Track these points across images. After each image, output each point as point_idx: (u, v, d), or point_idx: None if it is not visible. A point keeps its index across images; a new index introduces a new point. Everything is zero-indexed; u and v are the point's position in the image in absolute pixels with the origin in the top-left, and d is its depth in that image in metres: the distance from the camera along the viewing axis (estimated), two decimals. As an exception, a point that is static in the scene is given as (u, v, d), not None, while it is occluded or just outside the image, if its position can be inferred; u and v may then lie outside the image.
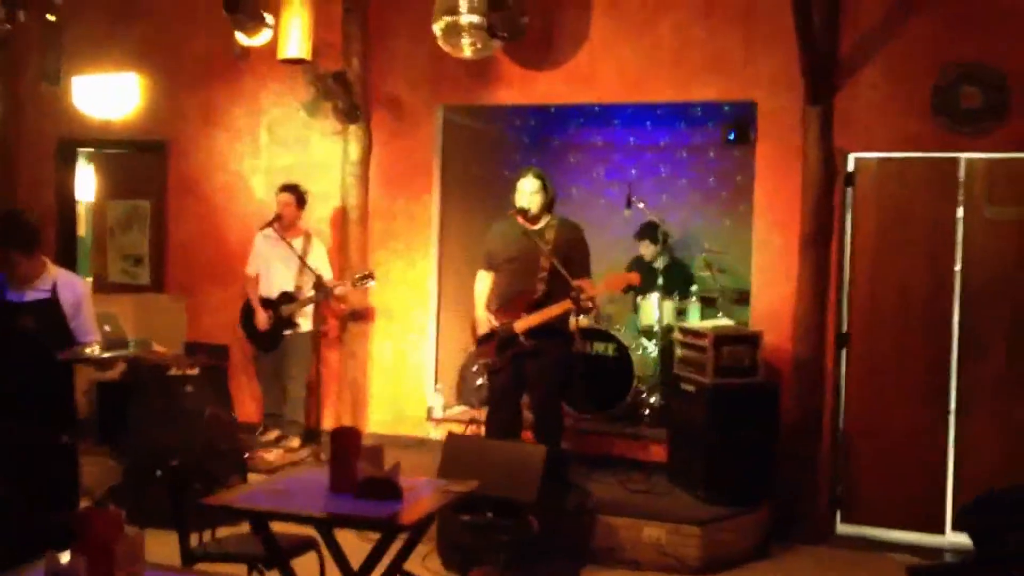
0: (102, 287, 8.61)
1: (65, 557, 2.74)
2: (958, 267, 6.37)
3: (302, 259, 7.19)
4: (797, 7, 6.02)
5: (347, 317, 7.68)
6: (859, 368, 6.58)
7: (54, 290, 4.99)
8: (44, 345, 4.90)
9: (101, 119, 8.35)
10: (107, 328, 5.87)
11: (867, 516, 6.53)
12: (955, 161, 6.38)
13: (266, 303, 7.37)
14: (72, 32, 7.61)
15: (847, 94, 6.51)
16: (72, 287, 5.08)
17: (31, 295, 4.96)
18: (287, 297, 7.31)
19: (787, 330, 6.62)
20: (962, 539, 5.99)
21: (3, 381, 4.94)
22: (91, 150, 8.88)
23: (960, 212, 6.38)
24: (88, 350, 5.04)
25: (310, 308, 7.34)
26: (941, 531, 6.35)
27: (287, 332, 7.33)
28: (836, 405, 6.60)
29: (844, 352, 6.60)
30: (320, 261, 7.33)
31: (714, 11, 6.84)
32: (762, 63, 6.74)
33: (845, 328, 6.59)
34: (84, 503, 5.70)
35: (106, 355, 5.12)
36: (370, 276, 7.23)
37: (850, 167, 6.59)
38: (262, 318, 7.33)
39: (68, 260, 8.67)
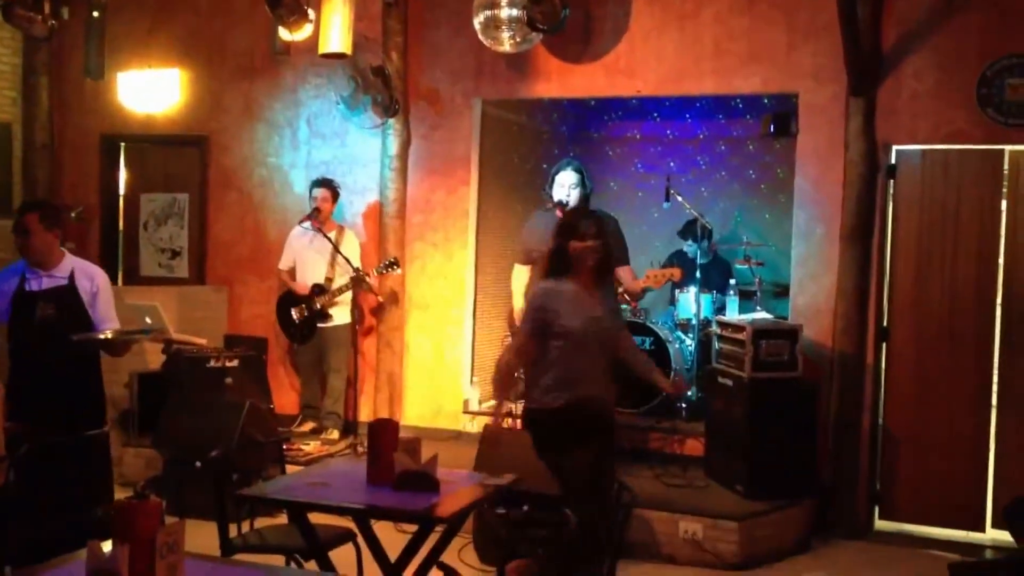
0: (134, 281, 8.69)
1: (107, 547, 2.78)
2: (1001, 260, 6.28)
3: (336, 249, 7.22)
4: (840, -3, 5.96)
5: (380, 309, 7.71)
6: (900, 363, 6.50)
7: (71, 278, 5.08)
8: (63, 332, 4.95)
9: (143, 114, 8.43)
10: (148, 320, 5.94)
11: (906, 512, 6.46)
12: (1000, 153, 6.29)
13: (300, 298, 7.43)
14: (115, 28, 7.72)
15: (890, 86, 6.44)
16: (89, 275, 5.15)
17: (48, 283, 5.05)
18: (319, 289, 7.36)
19: (827, 324, 6.56)
20: (1003, 536, 5.93)
21: (28, 371, 5.03)
22: (125, 145, 8.93)
23: (1004, 205, 6.29)
24: (102, 336, 5.09)
25: (347, 300, 7.37)
26: (981, 528, 6.27)
27: (321, 324, 7.37)
28: (876, 400, 6.53)
29: (885, 347, 6.53)
30: (352, 254, 7.34)
31: (756, 2, 6.78)
32: (804, 54, 6.67)
33: (886, 323, 6.52)
34: (125, 494, 5.75)
35: (111, 335, 5.10)
36: (395, 264, 7.25)
37: (892, 160, 6.52)
38: (301, 286, 7.40)
39: (110, 254, 8.78)
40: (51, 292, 5.03)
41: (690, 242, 8.36)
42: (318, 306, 7.32)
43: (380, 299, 7.60)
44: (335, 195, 7.45)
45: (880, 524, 6.52)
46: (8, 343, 5.13)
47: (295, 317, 7.43)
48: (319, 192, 7.38)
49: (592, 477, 4.50)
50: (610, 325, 4.69)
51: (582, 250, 4.50)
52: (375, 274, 7.25)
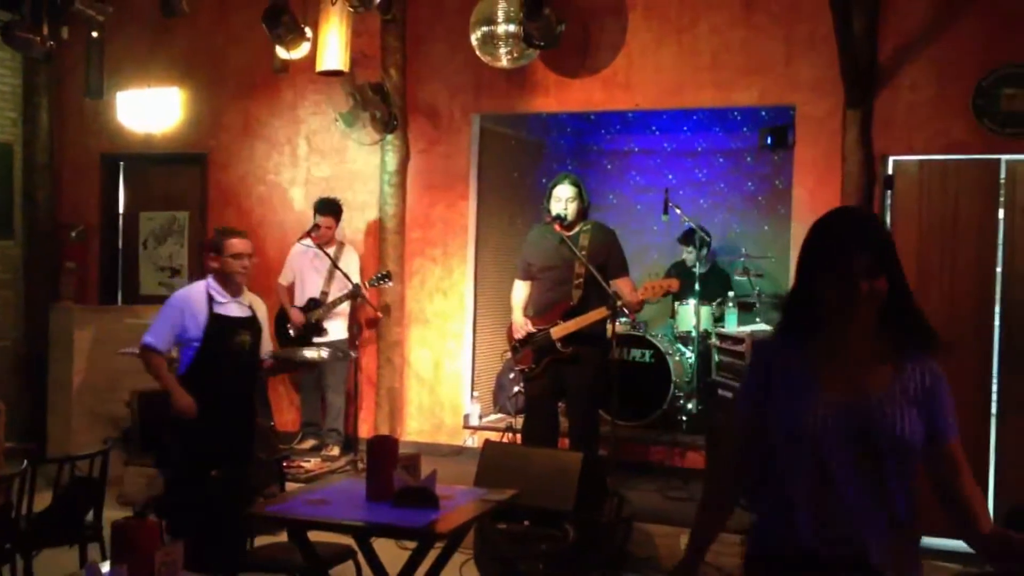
0: (134, 299, 8.69)
1: (105, 567, 2.79)
2: (999, 269, 6.28)
3: (335, 264, 7.25)
4: (837, 10, 5.98)
5: (378, 323, 7.71)
6: (900, 374, 6.49)
7: (251, 307, 5.29)
8: (254, 359, 5.26)
9: (143, 132, 8.45)
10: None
11: (909, 523, 6.43)
12: (996, 163, 6.30)
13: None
14: (115, 48, 7.73)
15: (887, 97, 6.46)
16: (261, 305, 5.43)
17: (237, 310, 5.21)
18: (314, 303, 7.39)
19: (827, 336, 6.55)
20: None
21: (214, 397, 5.12)
22: (125, 163, 8.95)
23: (1001, 214, 6.30)
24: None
25: (343, 313, 7.38)
26: (985, 539, 6.23)
27: (317, 340, 7.39)
28: (877, 411, 6.51)
29: (885, 357, 6.51)
30: (351, 269, 7.37)
31: (753, 15, 6.81)
32: (801, 67, 6.70)
33: (885, 333, 6.51)
34: (124, 514, 5.75)
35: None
36: (387, 276, 7.28)
37: (890, 170, 6.53)
38: (297, 316, 7.41)
39: (110, 272, 8.80)
40: (245, 320, 5.21)
41: (690, 248, 8.36)
42: (313, 319, 7.35)
43: (378, 314, 7.61)
44: (338, 219, 7.47)
45: (882, 535, 6.50)
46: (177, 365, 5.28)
47: (290, 331, 7.46)
48: (322, 220, 7.37)
49: None
50: (897, 423, 2.57)
51: (848, 297, 2.51)
52: (368, 287, 7.26)
